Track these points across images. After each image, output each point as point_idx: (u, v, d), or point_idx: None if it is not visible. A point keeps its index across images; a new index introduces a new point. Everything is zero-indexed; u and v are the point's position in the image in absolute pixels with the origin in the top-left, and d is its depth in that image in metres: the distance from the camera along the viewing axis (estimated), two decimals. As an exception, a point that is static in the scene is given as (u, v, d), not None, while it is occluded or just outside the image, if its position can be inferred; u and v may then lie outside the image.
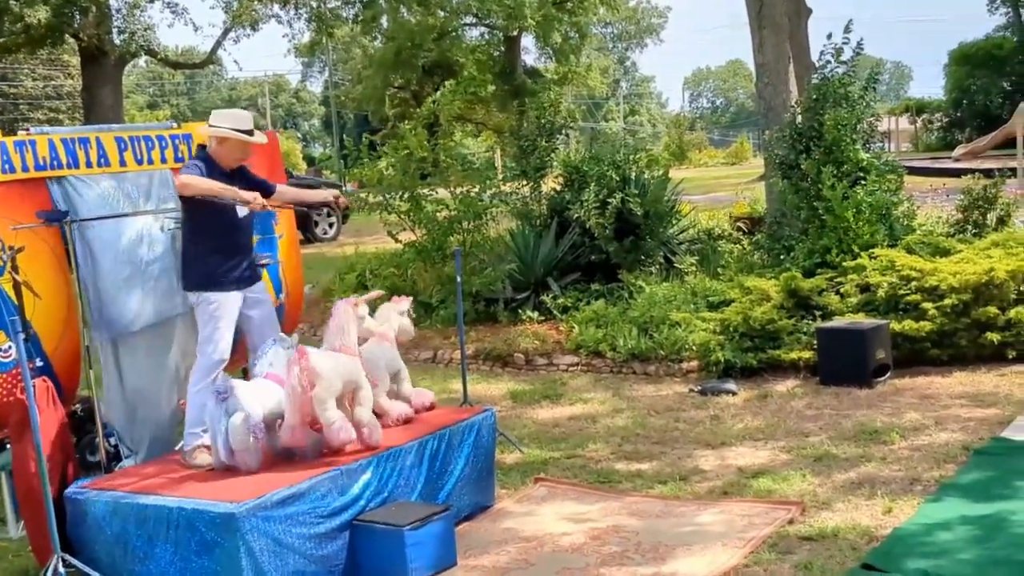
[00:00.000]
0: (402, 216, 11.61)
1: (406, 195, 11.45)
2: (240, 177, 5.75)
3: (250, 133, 5.73)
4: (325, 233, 20.16)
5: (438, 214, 11.49)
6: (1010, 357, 7.86)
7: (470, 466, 5.68)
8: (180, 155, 6.33)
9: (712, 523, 5.20)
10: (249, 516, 4.49)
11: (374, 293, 6.22)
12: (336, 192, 6.37)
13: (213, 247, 5.66)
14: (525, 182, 11.57)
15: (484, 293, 10.28)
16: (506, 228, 11.64)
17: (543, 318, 9.93)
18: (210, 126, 5.72)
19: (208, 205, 5.55)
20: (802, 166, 9.68)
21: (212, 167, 5.64)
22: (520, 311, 10.10)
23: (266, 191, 5.86)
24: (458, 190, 11.29)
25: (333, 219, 20.43)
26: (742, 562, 4.68)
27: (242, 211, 5.68)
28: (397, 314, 5.95)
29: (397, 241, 11.84)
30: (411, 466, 5.33)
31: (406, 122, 11.77)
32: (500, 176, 12.23)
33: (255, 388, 5.22)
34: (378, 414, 5.47)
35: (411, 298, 6.16)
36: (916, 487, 5.46)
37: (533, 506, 5.76)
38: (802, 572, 4.51)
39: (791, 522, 5.10)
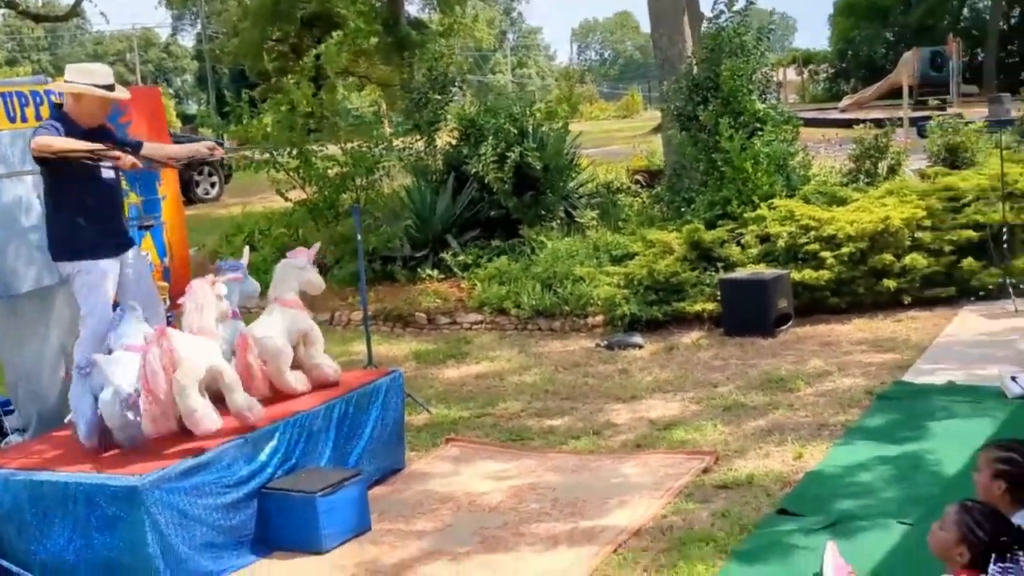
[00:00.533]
0: (291, 173, 11.44)
1: (294, 152, 11.28)
2: (103, 136, 5.45)
3: (110, 88, 5.36)
4: (207, 193, 19.65)
5: (329, 171, 11.36)
6: (906, 303, 8.21)
7: (379, 429, 5.66)
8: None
9: (628, 476, 5.32)
10: (152, 488, 4.40)
11: (232, 275, 5.65)
12: (210, 143, 6.09)
13: (79, 213, 5.28)
14: (418, 137, 11.50)
15: (381, 251, 10.21)
16: (401, 184, 11.57)
17: (443, 276, 9.92)
18: (65, 82, 5.31)
19: (69, 167, 5.18)
20: (700, 117, 9.86)
21: (70, 126, 5.25)
22: (419, 269, 10.07)
23: (133, 149, 5.58)
24: (348, 146, 11.16)
25: (215, 179, 19.92)
26: (660, 512, 4.81)
27: (107, 172, 5.39)
28: (297, 270, 5.69)
29: (286, 200, 11.67)
30: (318, 431, 5.29)
31: (289, 77, 11.54)
32: (389, 131, 12.12)
33: (119, 360, 4.91)
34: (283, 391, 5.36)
35: (315, 247, 5.82)
36: (824, 432, 5.68)
37: (446, 467, 5.79)
38: (719, 519, 4.65)
39: (706, 471, 5.26)
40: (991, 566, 2.89)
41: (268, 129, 11.31)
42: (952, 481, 4.82)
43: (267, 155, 11.32)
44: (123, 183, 5.86)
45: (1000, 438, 3.50)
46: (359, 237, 6.95)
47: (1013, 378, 6.02)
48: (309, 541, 4.79)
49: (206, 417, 4.83)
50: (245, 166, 11.78)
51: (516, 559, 4.50)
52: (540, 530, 4.78)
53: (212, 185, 19.96)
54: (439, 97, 11.53)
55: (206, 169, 19.42)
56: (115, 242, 5.46)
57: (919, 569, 3.80)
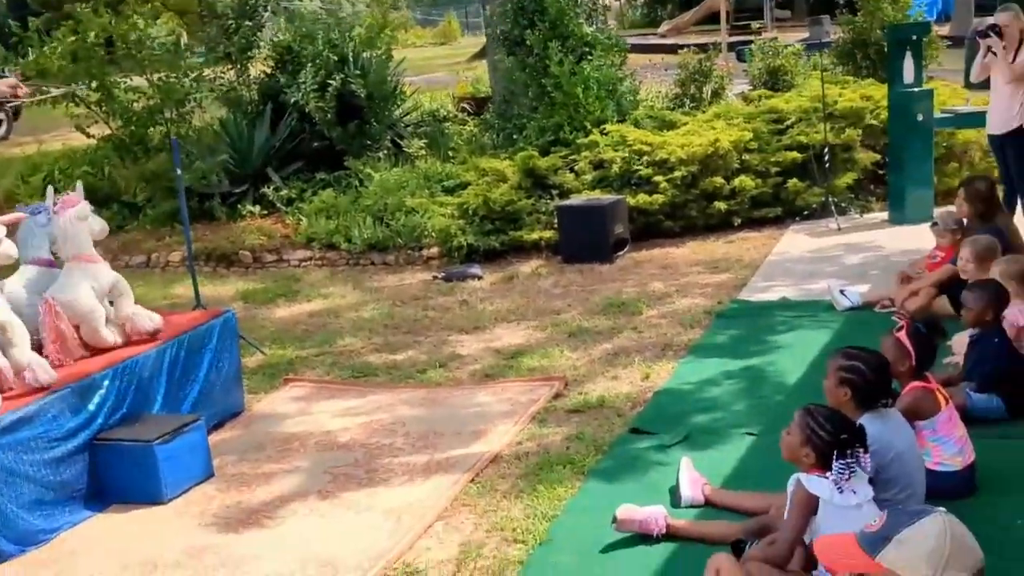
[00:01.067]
0: (92, 107, 10.91)
1: (95, 84, 10.75)
2: None
3: None
4: (-9, 134, 18.46)
5: (135, 104, 10.89)
6: (736, 224, 8.61)
7: (214, 372, 5.55)
8: None
9: (480, 406, 5.42)
10: None
11: (11, 216, 5.36)
12: (12, 80, 5.75)
13: None
14: (230, 66, 11.13)
15: (197, 188, 9.88)
16: (214, 117, 11.21)
17: (266, 212, 9.71)
18: None
19: None
20: (527, 41, 9.90)
21: None
22: (240, 206, 9.82)
23: None
24: (155, 76, 10.72)
25: (2, 116, 18.71)
26: (515, 439, 4.93)
27: None
28: (82, 221, 5.23)
29: (88, 136, 11.13)
30: (150, 377, 5.15)
31: (81, 5, 10.93)
32: (197, 60, 11.69)
33: None
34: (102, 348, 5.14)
35: (78, 188, 5.37)
36: (669, 352, 5.93)
37: (288, 407, 5.74)
38: (575, 442, 4.81)
39: (557, 397, 5.41)
40: (834, 463, 3.13)
41: (61, 61, 10.72)
42: (795, 390, 5.14)
43: (64, 89, 10.73)
44: None
45: (845, 347, 3.75)
46: (179, 172, 6.68)
47: (842, 291, 6.43)
48: (149, 492, 4.69)
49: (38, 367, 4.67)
50: (40, 101, 11.14)
51: (371, 495, 4.54)
52: (394, 465, 4.82)
53: None
54: (249, 23, 11.17)
55: (-8, 107, 18.22)
56: None
57: (770, 475, 4.07)
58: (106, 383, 4.88)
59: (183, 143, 10.43)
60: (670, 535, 3.81)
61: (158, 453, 4.66)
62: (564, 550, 3.86)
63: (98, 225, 5.36)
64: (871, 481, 3.24)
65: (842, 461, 3.08)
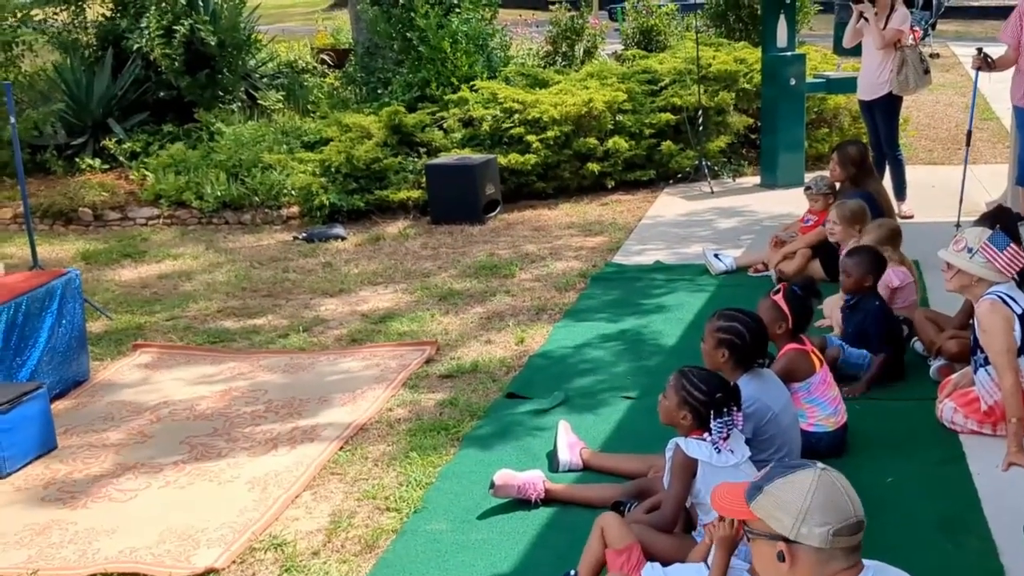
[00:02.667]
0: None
1: None
2: None
3: None
4: None
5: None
6: (609, 187, 8.77)
7: (56, 337, 5.40)
8: None
9: (347, 372, 5.40)
10: None
11: None
12: None
13: None
14: (63, 7, 10.71)
15: (29, 139, 9.51)
16: (47, 62, 10.77)
17: (108, 166, 9.43)
18: None
19: None
20: (394, -9, 9.84)
21: None
22: (78, 159, 9.50)
23: None
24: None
25: None
26: (386, 406, 4.94)
27: None
28: None
29: (-101, 80, 10.57)
30: (-16, 342, 4.97)
31: None
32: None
33: None
34: None
35: None
36: (543, 316, 6.03)
37: (137, 375, 5.62)
38: (448, 408, 4.86)
39: (429, 362, 5.44)
40: (711, 423, 3.26)
41: None
42: (672, 352, 5.30)
43: None
44: None
45: (723, 308, 3.89)
46: (13, 120, 6.43)
47: (716, 255, 6.63)
48: (-15, 465, 4.54)
49: None
50: None
51: (233, 465, 4.49)
52: (256, 433, 4.77)
53: None
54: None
55: None
56: None
57: (649, 437, 4.20)
58: (-66, 348, 4.70)
59: (13, 91, 10.00)
60: (549, 500, 3.89)
61: (-5, 423, 4.52)
62: (439, 517, 3.90)
63: None
64: (748, 442, 3.38)
65: (719, 421, 3.20)
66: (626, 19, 11.45)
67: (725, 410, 3.22)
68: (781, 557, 2.09)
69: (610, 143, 8.72)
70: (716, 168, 9.03)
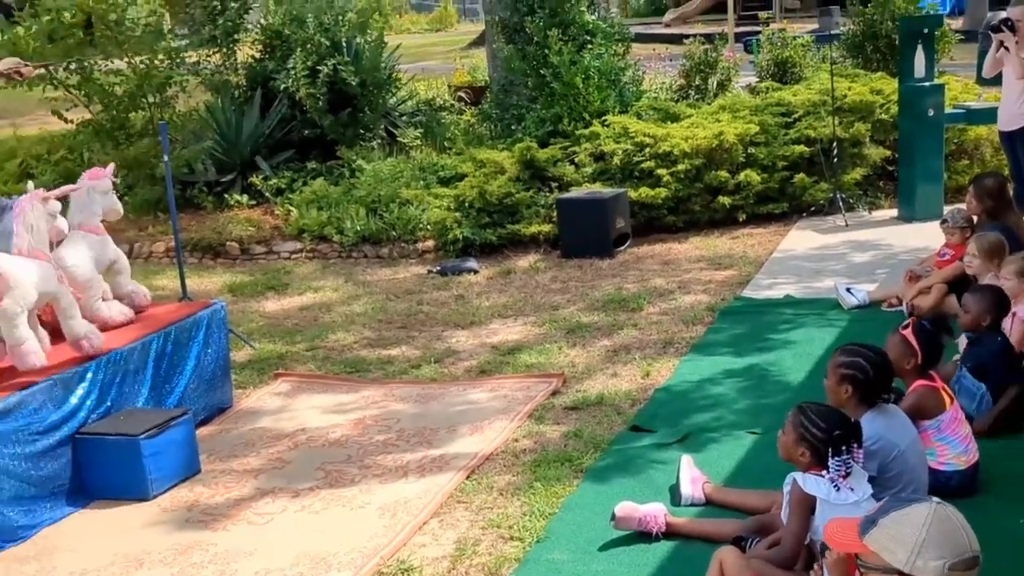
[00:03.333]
0: (71, 91, 10.95)
1: (73, 66, 10.80)
2: None
3: None
4: (-38, 117, 18.44)
5: (116, 87, 10.94)
6: (741, 220, 8.72)
7: (202, 365, 5.63)
8: None
9: (476, 402, 5.51)
10: None
11: (67, 188, 5.58)
12: (13, 60, 5.88)
13: None
14: (215, 49, 11.19)
15: (181, 176, 9.96)
16: (199, 102, 11.27)
17: (255, 202, 9.79)
18: None
19: None
20: (527, 29, 10.00)
21: None
22: (227, 195, 9.90)
23: None
24: (137, 59, 10.77)
25: (-28, 99, 18.71)
26: (511, 436, 5.02)
27: None
28: (100, 195, 5.51)
29: (65, 121, 11.16)
30: (135, 370, 5.22)
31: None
32: (180, 43, 11.74)
33: None
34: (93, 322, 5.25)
35: (110, 167, 5.69)
36: (670, 349, 6.04)
37: (278, 402, 5.83)
38: (573, 440, 4.91)
39: (555, 394, 5.51)
40: (829, 460, 3.22)
41: (36, 42, 10.75)
42: (799, 389, 5.24)
43: (40, 70, 10.74)
44: None
45: (846, 344, 3.85)
46: (167, 158, 6.78)
47: (848, 289, 6.53)
48: (133, 488, 4.77)
49: (32, 352, 4.76)
50: (14, 84, 11.14)
51: (364, 491, 4.63)
52: (387, 461, 4.91)
53: (-31, 107, 18.77)
54: (236, 5, 11.22)
55: (-45, 90, 18.20)
56: None
57: (772, 473, 4.16)
58: (89, 375, 4.95)
59: (167, 130, 10.48)
60: (670, 533, 3.91)
61: (143, 448, 4.73)
62: (561, 548, 3.95)
63: (113, 205, 5.58)
64: (873, 480, 3.34)
65: (838, 459, 3.17)
66: (761, 51, 11.36)
67: (844, 447, 3.18)
68: None
69: (742, 176, 8.67)
70: (851, 201, 8.88)
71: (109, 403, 5.02)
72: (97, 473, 4.80)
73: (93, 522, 4.60)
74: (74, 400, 4.85)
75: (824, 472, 3.23)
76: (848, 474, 3.20)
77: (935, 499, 2.13)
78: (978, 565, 2.07)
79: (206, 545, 4.28)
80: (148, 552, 4.25)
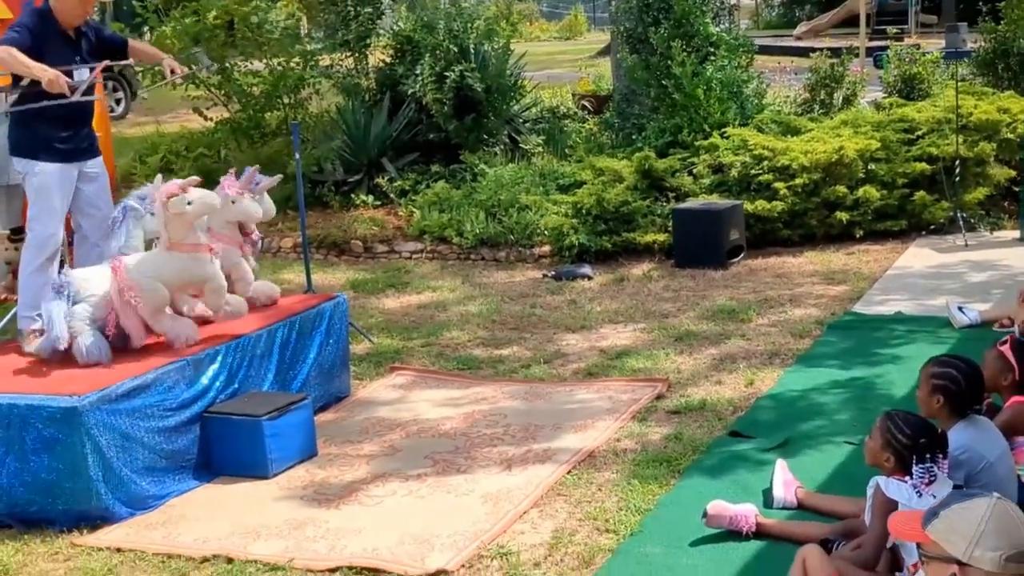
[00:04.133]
0: (212, 90, 11.49)
1: (215, 67, 11.31)
2: (88, 35, 5.68)
3: None
4: (112, 111, 19.39)
5: (253, 88, 11.43)
6: (858, 236, 8.73)
7: (323, 355, 5.91)
8: None
9: (581, 402, 5.71)
10: (93, 409, 4.58)
11: (192, 179, 5.64)
12: (170, 56, 6.34)
13: (40, 112, 5.57)
14: (348, 53, 11.58)
15: (310, 175, 10.37)
16: (331, 104, 11.69)
17: (379, 202, 10.14)
18: None
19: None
20: (651, 39, 10.15)
21: (48, 25, 5.52)
22: (353, 195, 10.27)
23: (118, 48, 5.80)
24: (274, 61, 11.24)
25: (120, 94, 19.66)
26: (614, 436, 5.21)
27: (80, 74, 5.62)
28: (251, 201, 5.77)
29: (205, 118, 11.70)
30: (261, 355, 5.52)
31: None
32: (316, 47, 12.18)
33: (95, 275, 5.18)
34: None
35: (231, 174, 5.80)
36: (776, 360, 6.15)
37: (392, 394, 6.11)
38: (673, 442, 5.07)
39: (659, 397, 5.68)
40: (913, 467, 3.34)
41: (181, 43, 11.28)
42: (902, 403, 5.29)
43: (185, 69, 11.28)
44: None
45: (939, 355, 3.94)
46: (298, 157, 7.14)
47: (960, 308, 6.54)
48: (254, 466, 5.05)
49: (177, 338, 5.19)
50: (161, 82, 11.68)
51: (469, 480, 4.87)
52: (493, 454, 5.14)
53: (117, 102, 19.69)
54: (369, 10, 11.60)
55: (110, 83, 19.14)
56: (77, 147, 5.67)
57: (863, 483, 4.25)
58: (220, 358, 5.26)
59: (299, 130, 10.91)
60: (759, 533, 4.05)
61: (265, 428, 5.01)
62: (654, 541, 4.13)
63: (250, 209, 5.78)
64: (959, 488, 3.43)
65: (922, 466, 3.28)
66: (889, 66, 11.30)
67: (928, 455, 3.29)
68: None
69: (860, 192, 8.68)
70: (972, 220, 8.81)
71: (236, 385, 5.31)
72: (222, 450, 5.11)
73: (216, 495, 4.91)
74: (204, 380, 5.15)
75: (907, 478, 3.34)
76: (932, 482, 3.30)
77: (996, 494, 2.27)
78: None
79: (319, 522, 4.55)
80: (265, 525, 4.53)
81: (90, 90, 5.77)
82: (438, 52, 10.66)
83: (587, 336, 6.88)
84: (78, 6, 5.61)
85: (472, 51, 10.84)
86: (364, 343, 6.96)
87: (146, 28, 11.82)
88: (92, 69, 5.74)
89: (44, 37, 5.46)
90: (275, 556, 4.29)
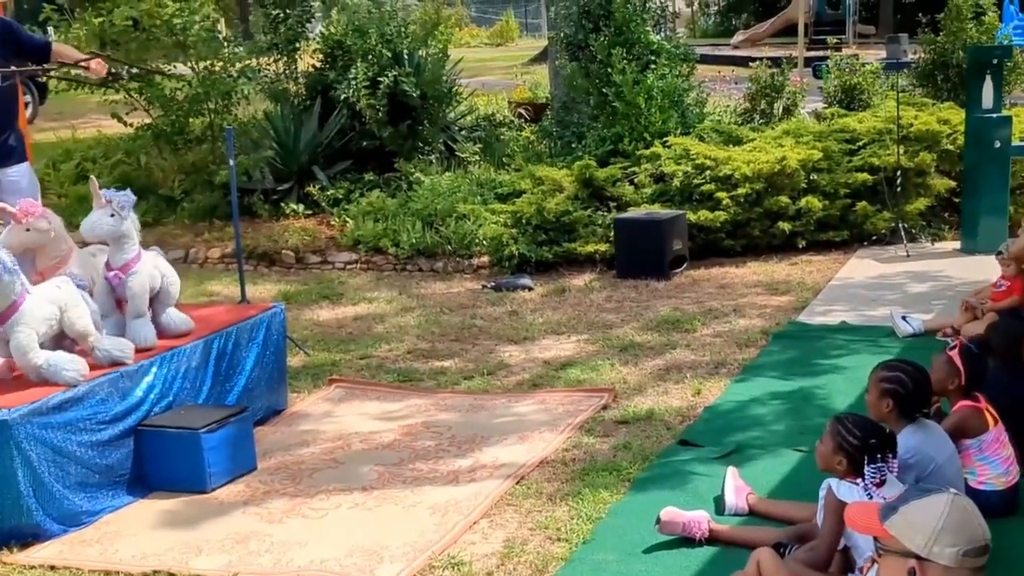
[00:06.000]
0: (132, 95, 11.41)
1: (134, 70, 11.23)
2: (8, 40, 5.74)
3: None
4: (18, 116, 19.17)
5: (177, 93, 11.38)
6: (800, 246, 9.01)
7: (260, 367, 5.97)
8: None
9: (526, 413, 5.86)
10: (23, 423, 4.60)
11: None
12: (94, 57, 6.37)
13: None
14: (276, 57, 11.62)
15: (239, 184, 10.29)
16: (258, 110, 11.70)
17: (310, 212, 10.21)
18: None
19: None
20: (591, 46, 10.37)
21: None
22: (283, 204, 10.32)
23: (38, 49, 5.87)
24: (200, 65, 11.20)
25: (28, 98, 19.40)
26: (561, 447, 5.36)
27: None
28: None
29: (124, 124, 11.60)
30: (196, 367, 5.56)
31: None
32: (239, 51, 12.16)
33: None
34: None
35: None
36: (722, 370, 6.36)
37: (332, 407, 6.20)
38: (621, 451, 5.24)
39: (605, 408, 5.85)
40: (865, 468, 3.54)
41: (89, 46, 11.19)
42: (849, 411, 5.50)
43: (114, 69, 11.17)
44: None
45: (887, 360, 4.16)
46: (232, 164, 7.19)
47: (904, 317, 6.82)
48: (192, 480, 5.10)
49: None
50: (74, 85, 11.57)
51: (416, 492, 4.97)
52: (439, 466, 5.25)
53: (25, 105, 19.45)
54: (299, 13, 11.62)
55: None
56: None
57: (813, 489, 4.45)
58: (154, 369, 5.29)
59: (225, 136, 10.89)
60: (712, 539, 4.22)
61: (203, 442, 5.06)
62: (606, 549, 4.28)
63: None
64: (910, 490, 3.64)
65: (873, 466, 3.48)
66: (829, 77, 11.66)
67: (879, 456, 3.49)
68: (912, 574, 2.40)
69: (803, 202, 8.97)
70: (914, 231, 9.14)
71: (171, 398, 5.35)
72: (158, 464, 5.14)
73: (153, 510, 4.95)
74: (138, 393, 5.18)
75: (859, 480, 3.53)
76: (883, 483, 3.50)
77: (952, 490, 2.45)
78: (988, 553, 2.39)
79: (262, 536, 4.62)
80: (207, 540, 4.59)
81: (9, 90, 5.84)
82: (371, 57, 10.77)
83: (529, 347, 7.03)
84: None
85: (406, 56, 10.97)
86: (299, 356, 7.03)
87: (50, 27, 11.69)
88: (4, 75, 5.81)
89: None
90: (219, 571, 4.36)
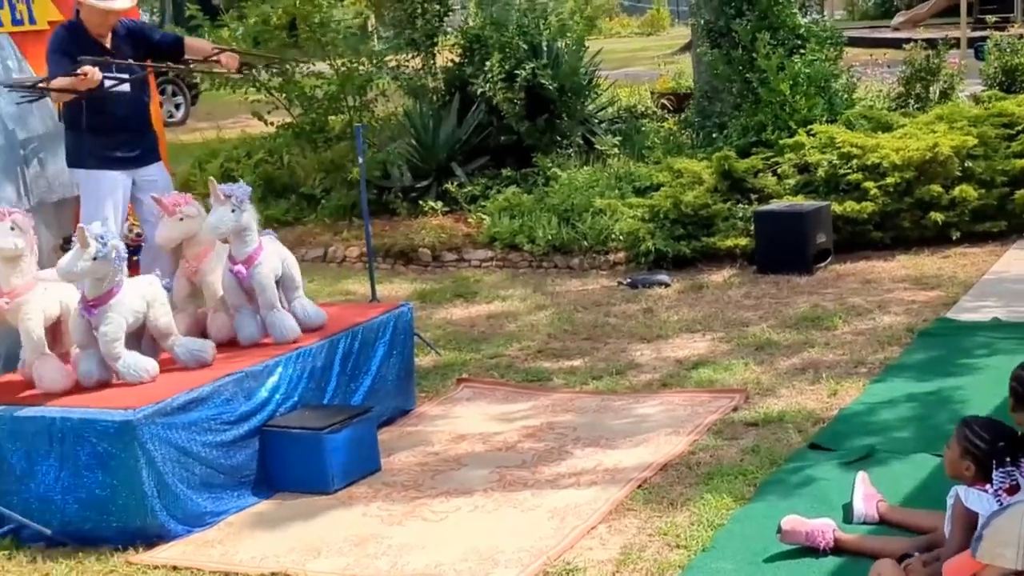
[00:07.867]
0: (273, 93, 11.67)
1: (275, 68, 11.48)
2: (130, 41, 5.97)
3: None
4: (171, 116, 19.85)
5: (317, 90, 11.61)
6: (953, 238, 8.64)
7: (386, 367, 6.03)
8: (19, 16, 6.26)
9: (653, 414, 5.79)
10: (148, 423, 4.71)
11: None
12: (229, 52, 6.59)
13: (87, 123, 5.90)
14: (415, 53, 11.69)
15: (376, 181, 10.51)
16: (398, 106, 11.84)
17: (448, 209, 10.27)
18: None
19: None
20: (734, 32, 10.16)
21: (79, 37, 5.84)
22: (421, 201, 10.39)
23: (170, 48, 6.13)
24: (339, 62, 11.39)
25: (180, 99, 20.15)
26: (687, 449, 5.27)
27: (117, 86, 5.91)
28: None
29: (266, 123, 11.89)
30: (322, 367, 5.65)
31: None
32: (379, 47, 12.31)
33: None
34: None
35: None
36: (861, 370, 6.16)
37: (459, 408, 6.24)
38: (749, 455, 5.12)
39: (735, 409, 5.73)
40: (993, 473, 3.36)
41: (242, 44, 11.48)
42: (992, 414, 5.25)
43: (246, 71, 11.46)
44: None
45: (976, 416, 3.93)
46: (361, 161, 7.27)
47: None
48: (315, 481, 5.18)
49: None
50: (219, 84, 11.89)
51: (536, 495, 4.96)
52: (561, 468, 5.23)
53: (176, 107, 20.17)
54: (437, 7, 11.71)
55: (171, 89, 19.62)
56: (127, 156, 5.96)
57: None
58: (279, 370, 5.39)
59: (365, 134, 11.06)
60: (838, 549, 4.08)
61: (326, 443, 5.15)
62: (726, 557, 4.19)
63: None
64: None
65: (1002, 471, 3.30)
66: (989, 57, 11.17)
67: (1009, 460, 3.31)
68: None
69: (956, 191, 8.60)
70: (1079, 221, 8.68)
71: (296, 398, 5.44)
72: (282, 465, 5.25)
73: (275, 511, 5.06)
74: (263, 393, 5.28)
75: (988, 487, 3.36)
76: (1015, 488, 3.32)
77: (1024, 498, 2.32)
78: None
79: (381, 538, 4.67)
80: (326, 542, 4.67)
81: (141, 83, 6.04)
82: (507, 50, 10.75)
83: (661, 346, 6.94)
84: (98, 19, 5.91)
85: (544, 48, 10.93)
86: (430, 355, 7.09)
87: (206, 32, 12.08)
88: (133, 72, 6.01)
89: (78, 51, 5.76)
90: (335, 573, 4.43)
